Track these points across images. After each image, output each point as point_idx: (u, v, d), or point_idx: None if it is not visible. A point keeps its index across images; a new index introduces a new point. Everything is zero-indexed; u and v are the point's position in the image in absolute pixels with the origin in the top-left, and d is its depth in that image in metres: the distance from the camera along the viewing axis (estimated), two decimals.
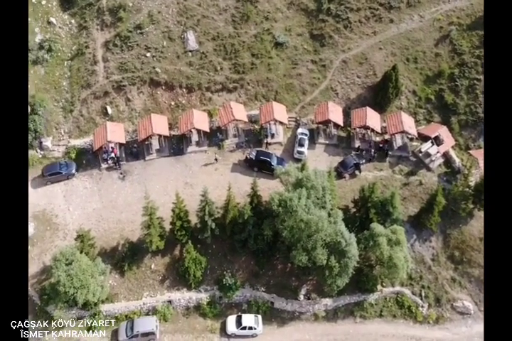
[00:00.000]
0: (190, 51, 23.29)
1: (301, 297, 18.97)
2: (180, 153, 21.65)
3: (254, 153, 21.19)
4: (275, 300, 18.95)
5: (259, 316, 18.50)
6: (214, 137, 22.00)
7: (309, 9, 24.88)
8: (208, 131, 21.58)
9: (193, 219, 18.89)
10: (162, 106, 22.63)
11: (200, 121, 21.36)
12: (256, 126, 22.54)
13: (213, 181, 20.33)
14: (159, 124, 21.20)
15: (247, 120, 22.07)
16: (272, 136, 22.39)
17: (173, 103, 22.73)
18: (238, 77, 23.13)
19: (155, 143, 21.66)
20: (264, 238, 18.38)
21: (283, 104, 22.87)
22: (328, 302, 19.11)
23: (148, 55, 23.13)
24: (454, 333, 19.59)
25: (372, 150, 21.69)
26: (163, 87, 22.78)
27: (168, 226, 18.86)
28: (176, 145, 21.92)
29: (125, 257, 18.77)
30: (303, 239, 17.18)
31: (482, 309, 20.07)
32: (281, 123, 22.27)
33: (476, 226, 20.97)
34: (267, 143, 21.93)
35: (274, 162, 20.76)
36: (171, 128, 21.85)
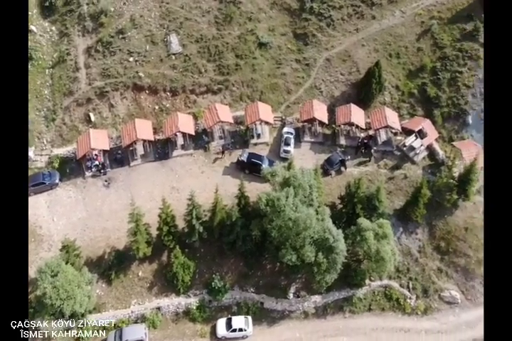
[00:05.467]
0: (174, 54, 22.90)
1: (291, 295, 18.70)
2: (166, 157, 21.26)
3: (245, 156, 20.81)
4: (265, 300, 18.67)
5: (249, 317, 18.20)
6: (200, 140, 21.65)
7: (292, 8, 24.62)
8: (194, 133, 21.21)
9: (181, 224, 18.55)
10: (146, 111, 22.26)
11: (185, 124, 21.01)
12: (242, 127, 22.20)
13: (200, 184, 19.98)
14: (143, 129, 20.83)
15: (232, 121, 21.75)
16: (258, 136, 22.10)
17: (157, 107, 22.35)
18: (223, 78, 22.79)
19: (139, 149, 21.26)
20: (252, 239, 18.14)
21: (268, 103, 22.59)
22: (317, 299, 18.86)
23: (131, 59, 22.77)
24: (442, 323, 19.47)
25: (373, 149, 21.36)
26: (147, 92, 22.38)
27: (155, 232, 18.51)
28: (161, 149, 21.54)
29: (112, 266, 18.39)
30: (291, 238, 17.00)
31: (469, 298, 20.08)
32: (266, 123, 21.99)
33: (460, 216, 20.94)
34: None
35: (265, 164, 20.41)
36: (155, 132, 21.47)
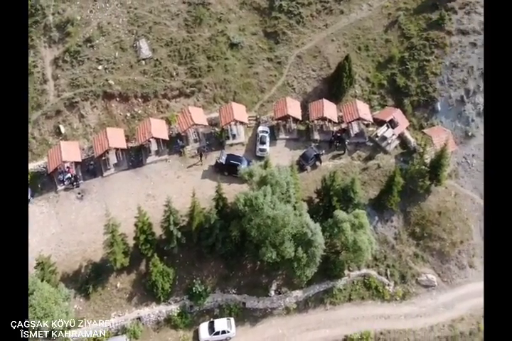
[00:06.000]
0: (144, 59, 22.43)
1: (272, 293, 18.56)
2: (140, 164, 20.77)
3: (224, 158, 20.49)
4: (247, 300, 18.43)
5: (232, 319, 17.94)
6: (174, 144, 21.19)
7: (262, 7, 24.43)
8: (168, 138, 20.75)
9: (158, 231, 18.12)
10: (117, 119, 21.72)
11: (159, 129, 20.53)
12: (217, 129, 21.84)
13: (176, 189, 19.56)
14: (115, 138, 20.29)
15: (207, 124, 21.36)
16: (234, 136, 21.80)
17: (128, 114, 21.83)
18: (195, 81, 22.39)
19: (112, 158, 20.72)
20: (232, 240, 17.88)
21: (242, 104, 22.32)
22: (298, 294, 18.73)
23: (100, 67, 22.19)
24: (421, 306, 19.68)
25: (347, 141, 21.57)
26: (118, 99, 21.86)
27: (132, 242, 18.05)
28: (135, 157, 21.04)
29: (89, 279, 17.87)
30: (270, 235, 16.89)
31: (445, 280, 20.34)
32: (241, 123, 21.72)
33: (433, 201, 21.15)
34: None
35: (244, 165, 20.11)
36: (128, 140, 20.95)
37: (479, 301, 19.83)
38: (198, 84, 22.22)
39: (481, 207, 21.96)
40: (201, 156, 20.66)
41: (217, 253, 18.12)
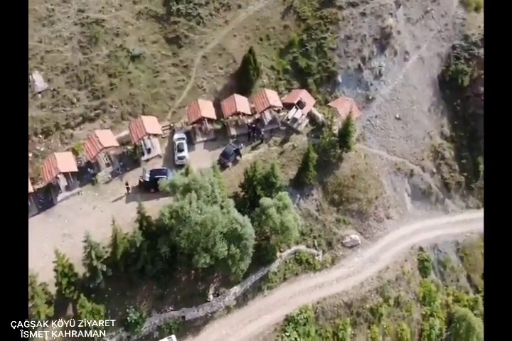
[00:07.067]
0: (39, 92, 20.84)
1: (211, 297, 17.95)
2: (50, 205, 19.29)
3: (147, 175, 19.47)
4: (186, 313, 17.67)
5: (173, 336, 17.12)
6: (85, 174, 19.92)
7: (159, 14, 23.65)
8: (77, 170, 19.44)
9: (81, 269, 16.86)
10: None
11: (66, 162, 19.19)
12: (129, 147, 20.75)
13: (94, 221, 18.38)
14: None
15: (117, 144, 20.23)
16: (149, 151, 20.83)
17: (30, 154, 20.15)
18: (98, 102, 21.20)
19: None
20: (161, 257, 17.04)
21: (153, 115, 21.39)
22: (236, 289, 18.39)
23: None
24: (350, 267, 20.40)
25: (262, 130, 21.59)
26: None
27: (54, 289, 16.62)
28: (44, 198, 19.49)
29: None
30: (201, 241, 16.25)
31: (367, 236, 21.26)
32: (155, 135, 20.78)
33: (346, 167, 21.97)
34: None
35: (170, 177, 19.17)
36: (33, 182, 19.33)
37: (399, 247, 21.10)
38: (101, 105, 21.10)
39: (389, 161, 23.01)
40: (127, 184, 19.51)
41: (147, 275, 17.16)
